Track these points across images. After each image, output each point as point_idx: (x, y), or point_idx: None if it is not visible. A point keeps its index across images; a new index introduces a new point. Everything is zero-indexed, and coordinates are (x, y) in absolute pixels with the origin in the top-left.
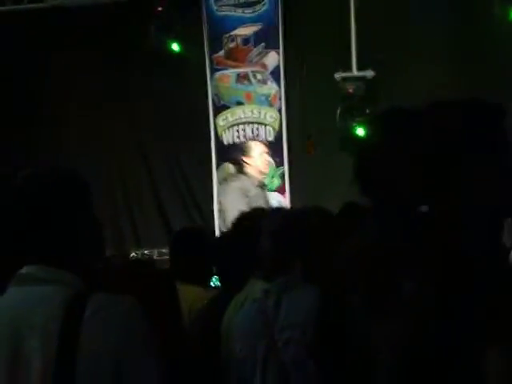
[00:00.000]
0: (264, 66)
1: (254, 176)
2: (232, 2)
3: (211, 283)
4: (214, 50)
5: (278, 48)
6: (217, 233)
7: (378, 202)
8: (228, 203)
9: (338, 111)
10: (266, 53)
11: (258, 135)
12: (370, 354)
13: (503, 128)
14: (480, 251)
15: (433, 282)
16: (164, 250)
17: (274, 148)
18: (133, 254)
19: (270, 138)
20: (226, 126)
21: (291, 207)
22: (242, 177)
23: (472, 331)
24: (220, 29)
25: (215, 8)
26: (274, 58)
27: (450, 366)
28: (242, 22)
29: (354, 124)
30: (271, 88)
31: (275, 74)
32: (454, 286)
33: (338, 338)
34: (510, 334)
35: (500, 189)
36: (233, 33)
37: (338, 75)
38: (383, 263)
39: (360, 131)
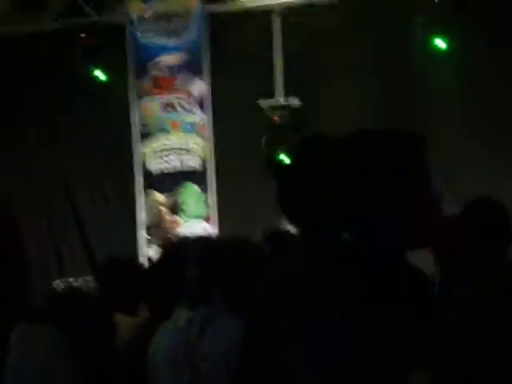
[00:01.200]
0: (189, 94)
1: None
2: (156, 29)
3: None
4: (138, 77)
5: (204, 75)
6: (144, 260)
7: (301, 229)
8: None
9: (264, 139)
10: (192, 80)
11: (183, 163)
12: (294, 380)
13: (424, 157)
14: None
15: (356, 307)
16: (88, 278)
17: (200, 176)
18: (57, 281)
19: (197, 166)
20: (151, 154)
21: (217, 235)
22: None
23: (395, 355)
24: (144, 56)
25: (139, 35)
26: (199, 86)
27: None
28: (166, 49)
29: (279, 152)
30: (197, 116)
31: (201, 102)
32: (375, 311)
33: (261, 364)
34: (437, 357)
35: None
36: (157, 60)
37: (263, 103)
38: (307, 289)
39: (284, 159)
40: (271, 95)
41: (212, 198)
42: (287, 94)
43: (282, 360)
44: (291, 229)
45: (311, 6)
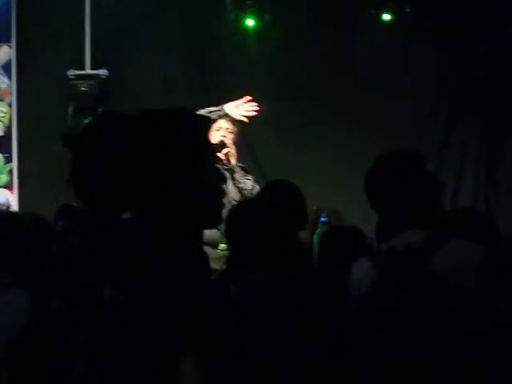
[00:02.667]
0: None
1: None
2: None
3: None
4: None
5: (11, 42)
6: None
7: (89, 205)
8: None
9: (70, 109)
10: None
11: None
12: (65, 358)
13: (207, 136)
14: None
15: (140, 289)
16: None
17: (3, 143)
18: None
19: (0, 133)
20: None
21: (19, 204)
22: None
23: (165, 339)
24: None
25: None
26: (5, 53)
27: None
28: None
29: (86, 122)
30: (2, 82)
31: (7, 69)
32: (148, 293)
33: (39, 341)
34: (206, 342)
35: (203, 201)
36: None
37: (71, 73)
38: (87, 267)
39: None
40: (80, 65)
41: (15, 166)
42: (96, 65)
43: (56, 337)
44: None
45: None
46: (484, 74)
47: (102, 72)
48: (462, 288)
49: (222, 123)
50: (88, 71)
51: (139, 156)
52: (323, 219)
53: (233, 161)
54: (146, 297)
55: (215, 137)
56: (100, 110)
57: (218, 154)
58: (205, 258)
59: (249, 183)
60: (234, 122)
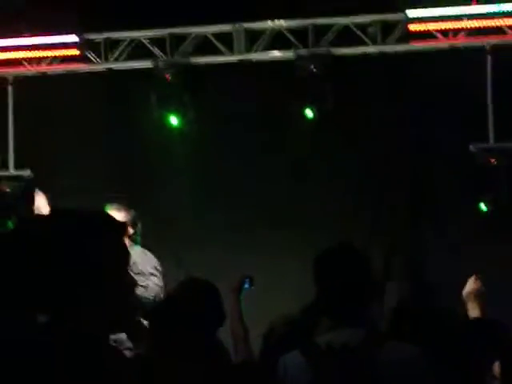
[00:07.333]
0: None
1: None
2: None
3: None
4: None
5: None
6: None
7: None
8: None
9: None
10: None
11: None
12: None
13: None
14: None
15: None
16: None
17: None
18: None
19: None
20: None
21: None
22: None
23: None
24: None
25: None
26: None
27: None
28: None
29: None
30: None
31: None
32: None
33: None
34: None
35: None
36: None
37: None
38: None
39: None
40: (5, 165)
41: None
42: (19, 166)
43: None
44: None
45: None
46: None
47: (26, 172)
48: None
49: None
50: (12, 172)
51: (49, 263)
52: (246, 286)
53: None
54: None
55: None
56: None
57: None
58: None
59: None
60: None
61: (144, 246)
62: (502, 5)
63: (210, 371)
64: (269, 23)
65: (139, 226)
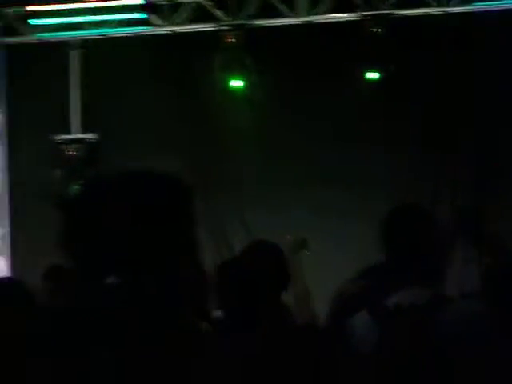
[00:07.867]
0: None
1: None
2: None
3: None
4: None
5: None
6: None
7: (78, 267)
8: None
9: (59, 172)
10: None
11: None
12: None
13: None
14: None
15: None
16: None
17: None
18: None
19: None
20: None
21: (12, 270)
22: None
23: None
24: None
25: None
26: None
27: None
28: None
29: (74, 185)
30: None
31: None
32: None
33: None
34: None
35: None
36: None
37: (58, 137)
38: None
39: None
40: (68, 130)
41: (7, 232)
42: (84, 129)
43: None
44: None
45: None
46: None
47: (90, 136)
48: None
49: None
50: (76, 135)
51: (127, 221)
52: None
53: None
54: None
55: None
56: (87, 173)
57: None
58: None
59: None
60: None
61: None
62: None
63: (273, 333)
64: None
65: None
